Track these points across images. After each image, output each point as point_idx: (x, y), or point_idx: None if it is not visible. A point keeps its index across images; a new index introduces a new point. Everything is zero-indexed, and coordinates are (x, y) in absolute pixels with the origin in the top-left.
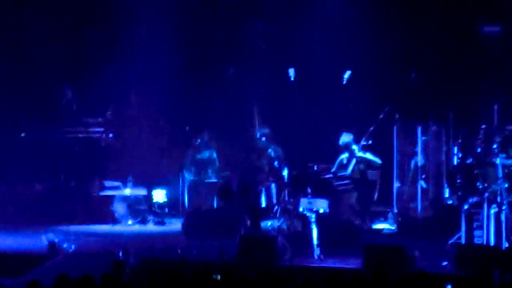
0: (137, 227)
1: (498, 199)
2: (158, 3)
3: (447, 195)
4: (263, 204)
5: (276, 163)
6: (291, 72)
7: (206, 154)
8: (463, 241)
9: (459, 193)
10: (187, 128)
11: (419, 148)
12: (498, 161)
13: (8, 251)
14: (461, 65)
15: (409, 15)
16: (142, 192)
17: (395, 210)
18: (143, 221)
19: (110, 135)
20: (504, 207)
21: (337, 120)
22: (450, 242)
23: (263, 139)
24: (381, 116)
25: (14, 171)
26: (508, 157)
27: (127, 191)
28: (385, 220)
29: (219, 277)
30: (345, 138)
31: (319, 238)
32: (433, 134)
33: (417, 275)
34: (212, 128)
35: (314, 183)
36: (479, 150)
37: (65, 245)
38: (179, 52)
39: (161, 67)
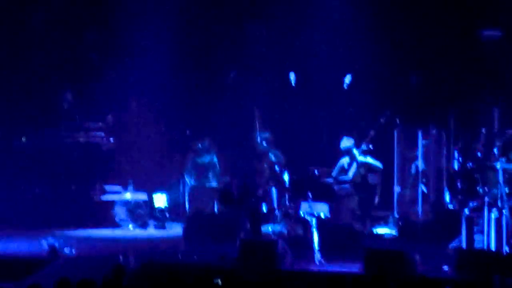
0: (138, 232)
1: (499, 203)
2: (159, 7)
3: (447, 199)
4: (264, 209)
5: (276, 167)
6: (292, 76)
7: (206, 158)
8: (463, 245)
9: (460, 197)
10: (188, 132)
11: (419, 153)
12: (498, 165)
13: (8, 255)
14: (462, 69)
15: (409, 19)
16: (142, 196)
17: (396, 215)
18: (144, 226)
19: (111, 139)
20: (504, 211)
21: (338, 125)
22: (450, 245)
23: (264, 143)
24: (381, 121)
25: (15, 175)
26: (508, 161)
27: (128, 196)
28: (386, 224)
29: (219, 281)
30: (346, 142)
31: (319, 242)
32: (434, 139)
33: (417, 279)
34: (213, 133)
35: (315, 187)
36: (479, 154)
37: (65, 249)
38: (180, 56)
39: (161, 71)
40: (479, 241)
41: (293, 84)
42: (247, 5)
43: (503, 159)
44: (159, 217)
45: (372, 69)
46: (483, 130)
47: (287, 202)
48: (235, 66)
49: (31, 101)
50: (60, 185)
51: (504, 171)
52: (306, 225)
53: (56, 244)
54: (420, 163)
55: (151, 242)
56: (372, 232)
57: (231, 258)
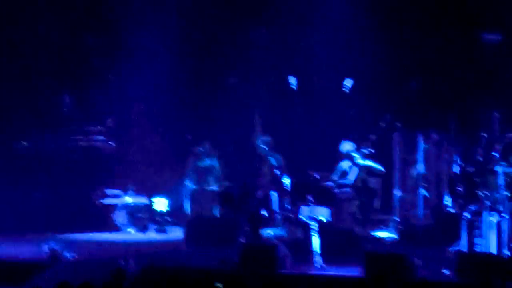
0: (138, 235)
1: (499, 207)
2: (160, 11)
3: (448, 203)
4: (264, 212)
5: (277, 171)
6: (292, 80)
7: (207, 162)
8: (463, 249)
9: (460, 201)
10: (188, 136)
11: (420, 156)
12: (499, 169)
13: (9, 259)
14: (462, 73)
15: (410, 23)
16: (143, 200)
17: (396, 218)
18: (144, 229)
19: (112, 143)
20: (505, 215)
21: (338, 128)
22: (451, 250)
23: (264, 147)
24: (382, 124)
25: (15, 179)
26: (509, 165)
27: (128, 199)
28: (386, 228)
29: (220, 285)
30: (346, 146)
31: (320, 246)
32: (434, 142)
33: (418, 283)
34: (213, 136)
35: (315, 191)
36: (480, 158)
37: (66, 253)
38: (181, 60)
39: (162, 75)
40: (480, 245)
41: (293, 88)
42: (247, 9)
43: (504, 163)
44: (160, 221)
45: (372, 73)
46: (484, 134)
47: (287, 206)
48: (236, 70)
49: (32, 104)
50: (61, 189)
51: (505, 174)
52: (307, 229)
53: (57, 248)
54: (420, 167)
55: (152, 246)
56: (372, 235)
57: (231, 262)
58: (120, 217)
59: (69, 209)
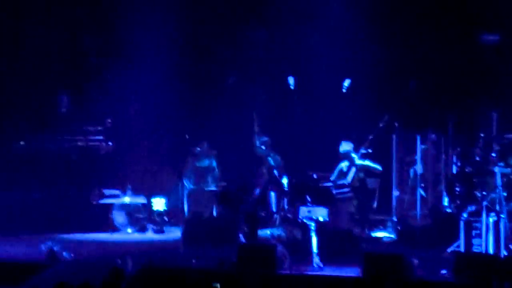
0: (136, 235)
1: (497, 207)
2: (158, 11)
3: (446, 203)
4: (261, 212)
5: (275, 171)
6: (291, 80)
7: (205, 162)
8: (462, 249)
9: (458, 202)
10: (187, 136)
11: (418, 157)
12: (496, 169)
13: (7, 259)
14: (460, 74)
15: (408, 24)
16: (141, 200)
17: (395, 219)
18: (142, 229)
19: (110, 143)
20: (502, 216)
21: (337, 129)
22: (449, 250)
23: (263, 147)
24: (380, 125)
25: (13, 179)
26: (506, 166)
27: (126, 199)
28: (385, 228)
29: (218, 285)
30: (345, 146)
31: (318, 246)
32: (432, 143)
33: (416, 283)
34: (212, 137)
35: (314, 191)
36: (478, 158)
37: (64, 253)
38: (179, 60)
39: (160, 75)
40: (477, 245)
41: (292, 88)
42: (246, 10)
43: (502, 164)
44: (158, 221)
45: (371, 73)
46: (482, 135)
47: (285, 206)
48: (234, 70)
49: (30, 104)
50: (59, 189)
51: (502, 175)
52: (305, 229)
53: (55, 248)
54: (418, 167)
55: (150, 246)
56: (370, 236)
57: (230, 262)
58: (118, 217)
59: (67, 209)
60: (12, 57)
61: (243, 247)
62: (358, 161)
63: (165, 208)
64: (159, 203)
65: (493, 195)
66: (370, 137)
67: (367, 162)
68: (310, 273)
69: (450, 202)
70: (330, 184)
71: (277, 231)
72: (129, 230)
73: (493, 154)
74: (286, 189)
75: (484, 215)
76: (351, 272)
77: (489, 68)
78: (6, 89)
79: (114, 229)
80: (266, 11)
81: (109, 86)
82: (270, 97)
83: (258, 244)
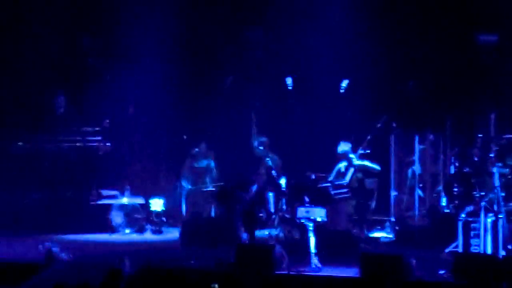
0: (135, 236)
1: (495, 207)
2: (156, 12)
3: (444, 203)
4: (260, 213)
5: (273, 172)
6: (289, 81)
7: (204, 163)
8: (460, 250)
9: (456, 202)
10: (185, 137)
11: (416, 157)
12: (495, 170)
13: (5, 259)
14: (458, 74)
15: (406, 25)
16: (139, 201)
17: (393, 219)
18: (141, 230)
19: (108, 144)
20: (501, 216)
21: (335, 129)
22: (447, 250)
23: (261, 148)
24: (378, 125)
25: (11, 180)
26: (505, 166)
27: (125, 200)
28: (383, 228)
29: (216, 286)
30: (343, 147)
31: (316, 246)
32: (430, 143)
33: (414, 283)
34: (210, 137)
35: (312, 191)
36: (476, 159)
37: (62, 254)
38: (177, 61)
39: (158, 75)
40: (476, 246)
41: (290, 89)
42: (244, 11)
43: (500, 164)
44: (156, 222)
45: (369, 74)
46: (480, 135)
47: (284, 207)
48: (232, 71)
49: (28, 105)
50: (57, 190)
51: (501, 175)
52: (303, 229)
53: (53, 249)
54: (417, 168)
55: (148, 246)
56: (369, 236)
57: (228, 263)
58: (116, 218)
59: (65, 210)
60: (10, 57)
61: (241, 247)
62: (356, 162)
63: (163, 209)
64: (157, 204)
65: (491, 195)
66: (368, 137)
67: (366, 163)
68: (308, 273)
69: (448, 202)
70: (328, 184)
71: (275, 232)
72: (127, 231)
73: (491, 155)
74: (284, 189)
75: (482, 215)
76: (349, 272)
77: (487, 69)
78: (4, 90)
79: (112, 229)
80: (264, 12)
81: (107, 86)
82: (268, 98)
83: (256, 245)
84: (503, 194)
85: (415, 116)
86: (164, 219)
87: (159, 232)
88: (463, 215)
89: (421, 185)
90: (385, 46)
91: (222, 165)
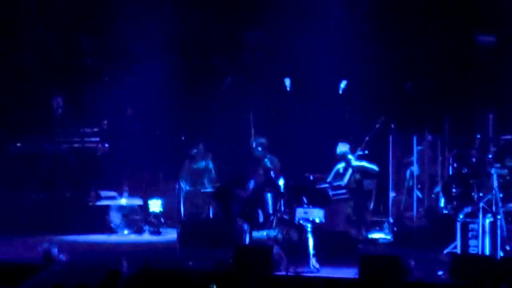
0: (133, 237)
1: (493, 208)
2: (155, 13)
3: (442, 204)
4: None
5: (272, 173)
6: (287, 82)
7: (202, 164)
8: (458, 251)
9: (455, 203)
10: (183, 138)
11: (414, 158)
12: (493, 171)
13: (3, 260)
14: (456, 75)
15: (405, 25)
16: (137, 202)
17: (391, 220)
18: (139, 231)
19: (106, 145)
20: (499, 217)
21: (333, 130)
22: (445, 251)
23: (259, 149)
24: (377, 126)
25: (9, 180)
26: (503, 167)
27: (123, 201)
28: (381, 229)
29: (215, 286)
30: (341, 148)
31: (314, 247)
32: (429, 144)
33: (413, 284)
34: (208, 138)
35: (310, 192)
36: (474, 160)
37: (60, 255)
38: (176, 62)
39: (157, 76)
40: (474, 247)
41: (288, 90)
42: (242, 12)
43: (498, 165)
44: (154, 223)
45: (367, 75)
46: (478, 136)
47: (282, 208)
48: (230, 71)
49: (26, 106)
50: (55, 191)
51: (499, 176)
52: (301, 230)
53: (52, 250)
54: (415, 169)
55: (146, 247)
56: (367, 237)
57: (226, 264)
58: (115, 219)
59: (64, 211)
60: (8, 58)
61: (240, 248)
62: (355, 163)
63: (162, 210)
64: (155, 205)
65: (489, 196)
66: (367, 138)
67: (364, 163)
68: (306, 274)
69: (446, 203)
70: (326, 185)
71: (273, 233)
72: (126, 232)
73: (490, 155)
74: (282, 190)
75: (480, 216)
76: (347, 273)
77: (486, 69)
78: (2, 90)
79: (110, 230)
80: (262, 13)
81: (106, 87)
82: (267, 99)
83: (255, 245)
84: (501, 195)
85: (413, 117)
86: (162, 220)
87: (158, 233)
88: (461, 216)
89: (419, 186)
90: (383, 47)
91: (221, 166)
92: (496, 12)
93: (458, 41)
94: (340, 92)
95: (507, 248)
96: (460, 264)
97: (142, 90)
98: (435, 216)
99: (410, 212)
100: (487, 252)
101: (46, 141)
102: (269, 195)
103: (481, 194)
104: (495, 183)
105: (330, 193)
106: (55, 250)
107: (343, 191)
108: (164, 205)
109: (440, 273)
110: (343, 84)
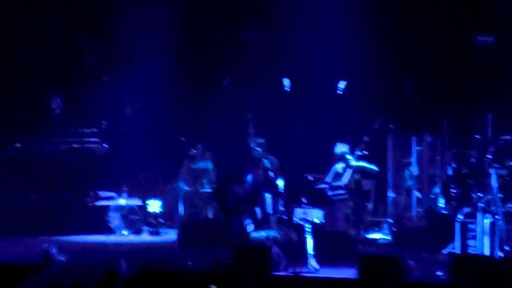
0: (132, 237)
1: (492, 208)
2: (154, 13)
3: (441, 204)
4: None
5: (271, 173)
6: (286, 82)
7: (201, 164)
8: (457, 251)
9: (454, 203)
10: (182, 138)
11: (413, 158)
12: (492, 171)
13: (2, 261)
14: (455, 75)
15: (404, 26)
16: (137, 202)
17: (390, 220)
18: (138, 231)
19: (105, 145)
20: (498, 217)
21: (332, 130)
22: (444, 251)
23: (258, 149)
24: (375, 127)
25: (9, 181)
26: (502, 167)
27: (122, 201)
28: (380, 230)
29: (214, 287)
30: (340, 148)
31: (314, 248)
32: (428, 144)
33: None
34: (207, 139)
35: (309, 193)
36: (473, 160)
37: (60, 255)
38: (175, 62)
39: (156, 77)
40: (473, 247)
41: (287, 90)
42: (241, 12)
43: (497, 165)
44: (154, 223)
45: (366, 76)
46: (477, 136)
47: (281, 208)
48: (229, 72)
49: (25, 106)
50: (54, 191)
51: (498, 176)
52: (300, 230)
53: (51, 250)
54: (414, 169)
55: (146, 248)
56: (366, 237)
57: (225, 264)
58: (114, 219)
59: (63, 211)
60: (7, 58)
61: (239, 248)
62: (354, 163)
63: (161, 210)
64: (154, 205)
65: (488, 196)
66: (366, 139)
67: (364, 164)
68: (305, 274)
69: (445, 203)
70: (325, 185)
71: (272, 233)
72: (125, 232)
73: (489, 156)
74: (281, 190)
75: (479, 216)
76: (346, 273)
77: (485, 70)
78: (1, 90)
79: (109, 231)
80: (261, 13)
81: (105, 88)
82: (266, 99)
83: (254, 246)
84: (500, 195)
85: (412, 117)
86: (161, 220)
87: (157, 233)
88: (460, 216)
89: (418, 186)
90: (382, 48)
91: (220, 167)
92: (495, 13)
93: (457, 42)
94: (339, 92)
95: (506, 248)
96: (459, 264)
97: (141, 91)
98: (434, 217)
99: (409, 213)
100: (486, 252)
101: (45, 142)
102: (268, 195)
103: (480, 195)
104: (494, 184)
105: (329, 193)
106: (54, 251)
107: (342, 191)
108: (163, 206)
109: (439, 273)
110: (342, 85)
